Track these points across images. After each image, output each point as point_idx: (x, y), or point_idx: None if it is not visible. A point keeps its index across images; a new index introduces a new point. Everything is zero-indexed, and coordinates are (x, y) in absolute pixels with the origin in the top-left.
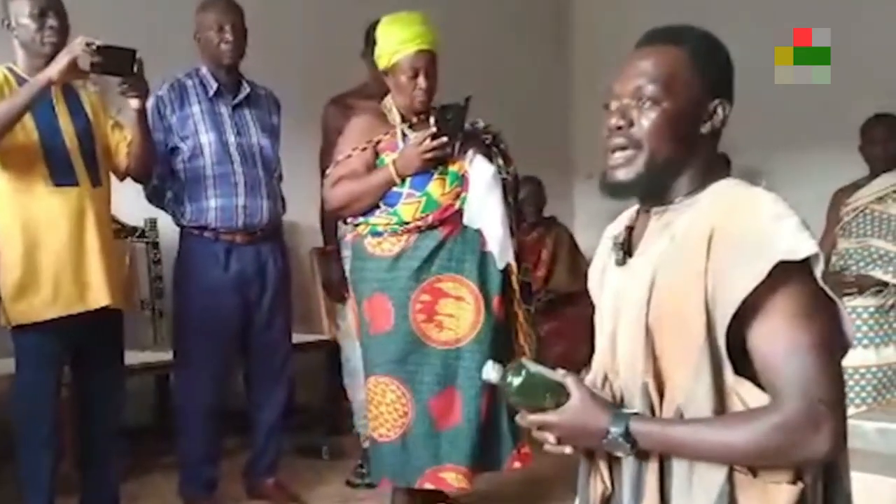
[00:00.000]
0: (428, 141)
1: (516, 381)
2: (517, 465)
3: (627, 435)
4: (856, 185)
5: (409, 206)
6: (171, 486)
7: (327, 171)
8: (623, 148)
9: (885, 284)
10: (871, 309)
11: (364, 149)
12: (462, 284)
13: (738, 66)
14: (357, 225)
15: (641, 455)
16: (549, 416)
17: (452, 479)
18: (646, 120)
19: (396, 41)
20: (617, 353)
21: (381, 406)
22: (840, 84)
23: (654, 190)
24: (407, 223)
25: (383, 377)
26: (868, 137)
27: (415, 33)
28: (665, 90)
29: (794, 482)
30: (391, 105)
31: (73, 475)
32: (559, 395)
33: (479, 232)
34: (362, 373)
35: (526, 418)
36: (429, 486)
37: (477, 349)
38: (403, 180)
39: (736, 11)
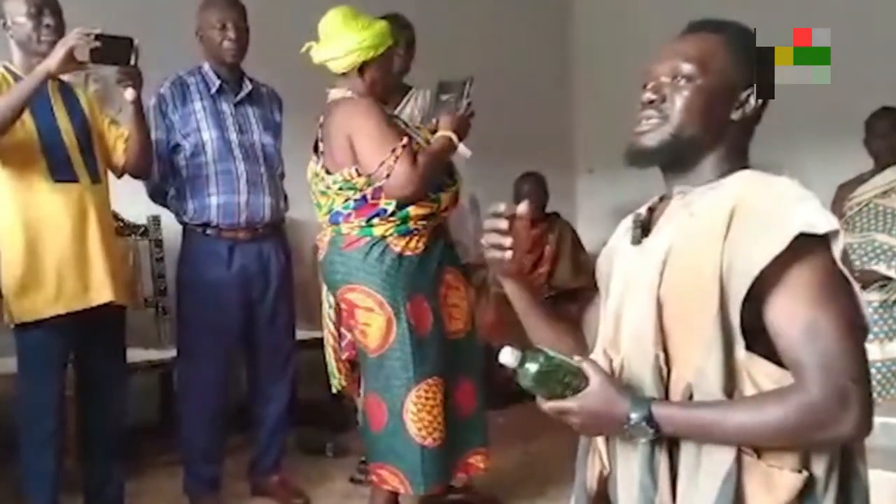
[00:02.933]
0: (467, 109)
1: (533, 366)
2: None
3: (650, 420)
4: (860, 180)
5: (447, 194)
6: (176, 484)
7: (389, 157)
8: (650, 119)
9: (889, 279)
10: (876, 303)
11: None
12: (456, 275)
13: None
14: (371, 225)
15: (656, 439)
16: (569, 403)
17: (478, 460)
18: (678, 96)
19: (380, 34)
20: (621, 328)
21: (434, 410)
22: (847, 78)
23: (676, 163)
24: (438, 213)
25: (433, 379)
26: (873, 131)
27: (388, 27)
28: (700, 68)
29: (799, 470)
30: (369, 96)
31: (76, 473)
32: (577, 380)
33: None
34: (402, 380)
35: (543, 405)
36: (461, 476)
37: (475, 334)
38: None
39: (739, 9)
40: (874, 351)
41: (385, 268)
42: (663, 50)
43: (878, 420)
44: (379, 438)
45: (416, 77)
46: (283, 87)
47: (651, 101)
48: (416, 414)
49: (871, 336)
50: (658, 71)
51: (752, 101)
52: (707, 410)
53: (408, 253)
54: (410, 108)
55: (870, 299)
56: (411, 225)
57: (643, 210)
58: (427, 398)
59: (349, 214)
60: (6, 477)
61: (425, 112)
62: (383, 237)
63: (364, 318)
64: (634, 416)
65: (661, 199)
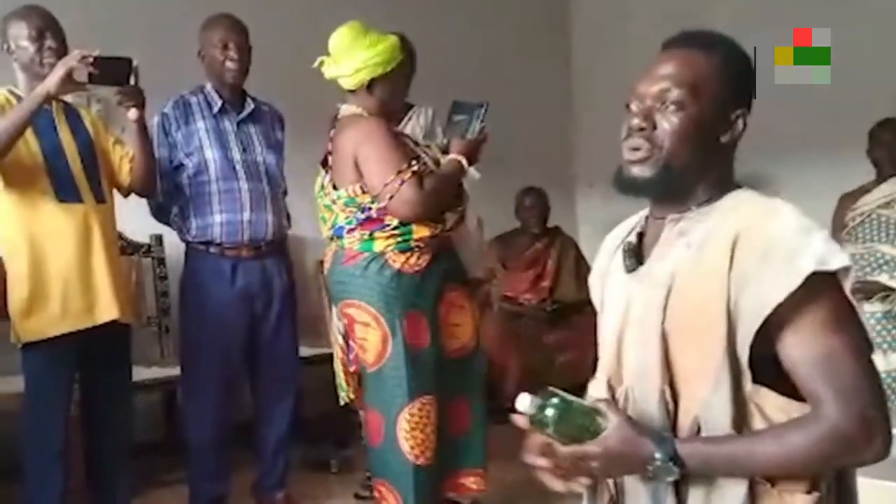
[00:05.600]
0: (480, 133)
1: (552, 412)
2: None
3: (676, 458)
4: (862, 190)
5: (454, 215)
6: (181, 502)
7: (394, 180)
8: (641, 148)
9: (892, 290)
10: (878, 314)
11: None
12: (461, 294)
13: None
14: (373, 239)
15: None
16: (589, 447)
17: (472, 482)
18: (668, 123)
19: (389, 50)
20: (623, 360)
21: (428, 428)
22: (850, 88)
23: (668, 193)
24: (439, 233)
25: (427, 397)
26: (876, 141)
27: (398, 42)
28: (690, 95)
29: (809, 492)
30: (379, 113)
31: (82, 492)
32: (595, 423)
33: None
34: (397, 396)
35: (561, 451)
36: (451, 494)
37: (478, 354)
38: None
39: (739, 13)
40: (878, 362)
41: (382, 284)
42: (651, 69)
43: None
44: (377, 454)
45: (418, 95)
46: (286, 105)
47: (641, 129)
48: (408, 432)
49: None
50: (646, 92)
51: (741, 122)
52: (733, 445)
53: (407, 269)
54: (412, 126)
55: (872, 310)
56: (412, 242)
57: (631, 235)
58: (421, 416)
59: (353, 229)
60: (12, 497)
61: (427, 130)
62: (382, 253)
63: (362, 332)
64: (659, 455)
65: (647, 219)
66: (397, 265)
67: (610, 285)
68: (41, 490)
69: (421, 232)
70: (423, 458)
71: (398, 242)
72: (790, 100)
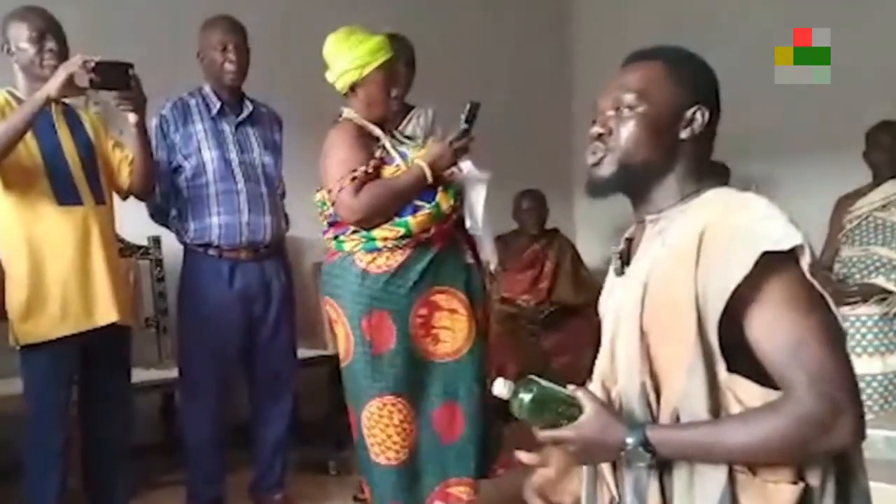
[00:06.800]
0: (459, 135)
1: (527, 397)
2: (501, 471)
3: (646, 444)
4: (859, 192)
5: (419, 218)
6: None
7: (335, 186)
8: (597, 152)
9: (890, 292)
10: (876, 317)
11: (377, 166)
12: (453, 297)
13: (741, 71)
14: (339, 241)
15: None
16: (564, 432)
17: (462, 492)
18: (623, 127)
19: (370, 52)
20: (615, 359)
21: (389, 428)
22: (848, 91)
23: (631, 191)
24: (410, 235)
25: (389, 397)
26: (873, 143)
27: (381, 43)
28: (640, 96)
29: (794, 482)
30: (358, 120)
31: (80, 493)
32: (571, 409)
33: (462, 244)
34: (360, 393)
35: (539, 434)
36: (439, 503)
37: (473, 360)
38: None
39: (739, 13)
40: (876, 364)
41: (347, 282)
42: (608, 85)
43: (881, 433)
44: (356, 449)
45: (417, 95)
46: (284, 107)
47: (599, 136)
48: (369, 430)
49: (871, 349)
50: (603, 105)
51: (699, 117)
52: (702, 430)
53: (373, 269)
54: (413, 127)
55: (870, 313)
56: (378, 244)
57: (621, 242)
58: (381, 416)
59: (326, 230)
60: (11, 498)
61: (427, 131)
62: (351, 253)
63: (334, 328)
64: (630, 441)
65: (638, 224)
66: (362, 265)
67: (613, 291)
68: (40, 491)
69: (383, 233)
70: (384, 457)
71: (363, 244)
72: (788, 101)
